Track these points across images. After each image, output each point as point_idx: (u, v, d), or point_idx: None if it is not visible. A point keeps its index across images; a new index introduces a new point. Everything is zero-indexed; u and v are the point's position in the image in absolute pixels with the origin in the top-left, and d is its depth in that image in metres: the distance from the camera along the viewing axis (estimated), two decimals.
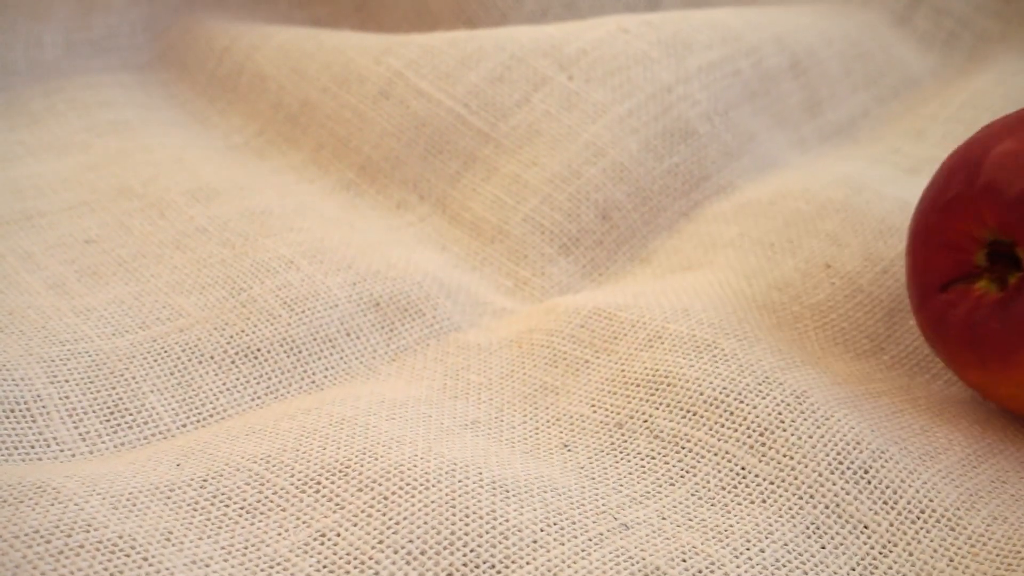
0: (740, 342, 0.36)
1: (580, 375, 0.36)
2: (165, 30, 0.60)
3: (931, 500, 0.31)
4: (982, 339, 0.33)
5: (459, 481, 0.29)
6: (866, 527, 0.30)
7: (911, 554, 0.29)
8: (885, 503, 0.30)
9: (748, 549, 0.29)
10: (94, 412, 0.34)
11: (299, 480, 0.29)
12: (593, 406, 0.35)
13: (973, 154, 0.34)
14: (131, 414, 0.34)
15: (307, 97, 0.52)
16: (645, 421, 0.33)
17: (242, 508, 0.29)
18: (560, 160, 0.46)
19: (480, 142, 0.48)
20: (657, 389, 0.34)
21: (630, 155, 0.46)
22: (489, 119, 0.48)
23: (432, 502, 0.28)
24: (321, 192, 0.48)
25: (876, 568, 0.29)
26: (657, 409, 0.33)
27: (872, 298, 0.40)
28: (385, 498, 0.29)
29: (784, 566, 0.28)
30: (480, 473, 0.30)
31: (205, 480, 0.29)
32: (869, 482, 0.31)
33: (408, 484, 0.29)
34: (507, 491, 0.29)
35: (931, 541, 0.30)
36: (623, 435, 0.33)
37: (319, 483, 0.29)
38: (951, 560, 0.29)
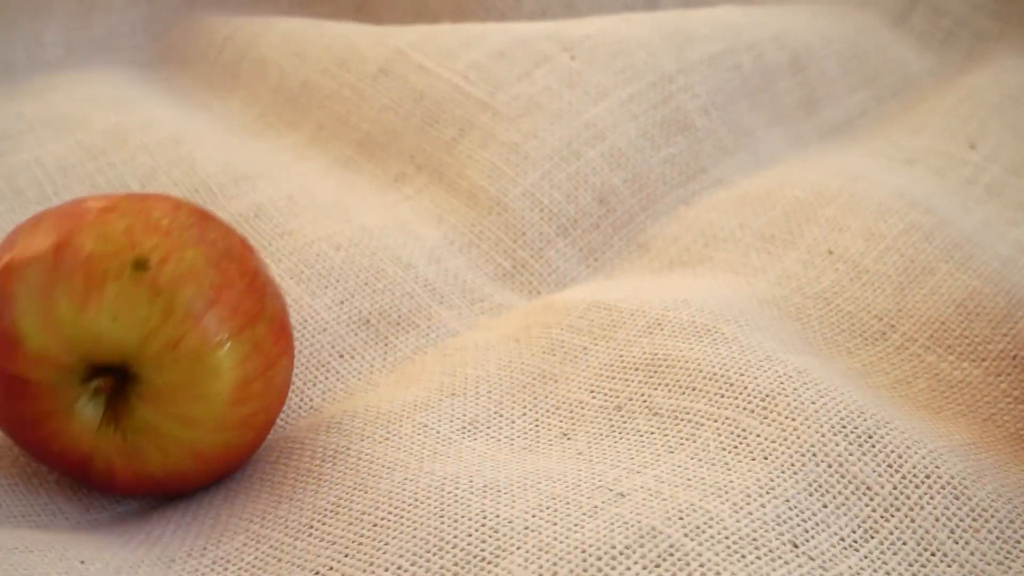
0: (741, 328, 0.35)
1: (579, 362, 0.35)
2: (165, 30, 0.60)
3: (937, 467, 0.30)
4: None
5: (448, 492, 0.29)
6: (869, 488, 0.29)
7: (913, 520, 0.28)
8: (889, 466, 0.30)
9: (748, 504, 0.28)
10: None
11: (292, 529, 0.30)
12: (592, 392, 0.34)
13: None
14: None
15: (307, 79, 0.52)
16: (644, 401, 0.33)
17: (240, 569, 0.29)
18: (560, 136, 0.45)
19: (478, 110, 0.47)
20: (656, 371, 0.34)
21: (628, 141, 0.46)
22: (488, 89, 0.47)
23: (420, 516, 0.28)
24: (319, 172, 0.48)
25: (878, 531, 0.28)
26: (656, 389, 0.33)
27: (879, 276, 0.39)
28: (375, 525, 0.29)
29: (785, 522, 0.27)
30: (471, 480, 0.29)
31: (205, 548, 0.30)
32: (873, 446, 0.30)
33: (396, 507, 0.29)
34: (499, 490, 0.29)
35: (934, 508, 0.29)
36: (622, 417, 0.33)
37: (311, 528, 0.30)
38: (952, 531, 0.28)
